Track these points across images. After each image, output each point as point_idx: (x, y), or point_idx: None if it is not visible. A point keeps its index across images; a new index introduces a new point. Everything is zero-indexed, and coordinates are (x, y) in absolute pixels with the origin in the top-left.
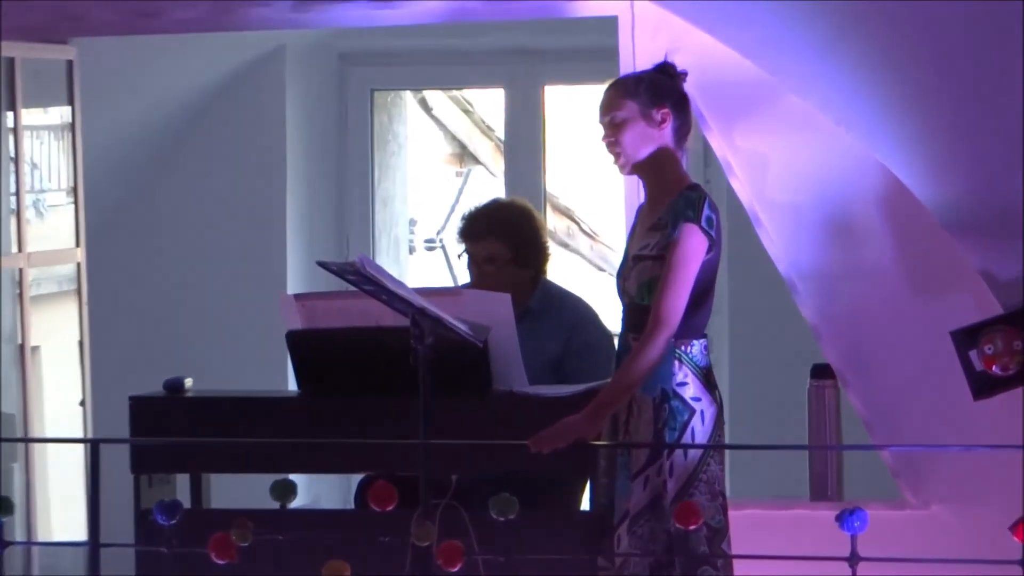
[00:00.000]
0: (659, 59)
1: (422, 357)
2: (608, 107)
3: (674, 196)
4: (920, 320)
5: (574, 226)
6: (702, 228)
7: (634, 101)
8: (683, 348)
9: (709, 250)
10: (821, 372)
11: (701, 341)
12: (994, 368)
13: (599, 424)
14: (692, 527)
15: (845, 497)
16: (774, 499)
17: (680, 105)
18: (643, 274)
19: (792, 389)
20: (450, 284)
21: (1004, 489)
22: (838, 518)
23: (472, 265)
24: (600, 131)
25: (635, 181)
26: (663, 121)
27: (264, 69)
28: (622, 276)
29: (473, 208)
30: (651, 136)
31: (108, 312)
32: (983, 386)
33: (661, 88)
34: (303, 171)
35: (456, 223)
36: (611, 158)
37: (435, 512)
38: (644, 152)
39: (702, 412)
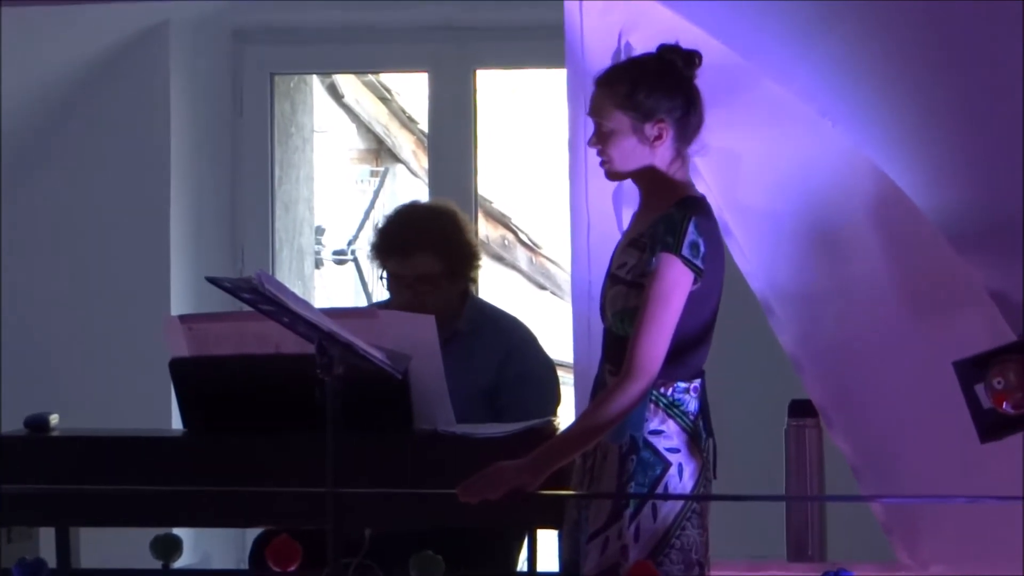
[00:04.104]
0: (611, 38)
1: (330, 390)
2: (597, 110)
3: (665, 209)
4: (918, 348)
5: (511, 236)
6: (683, 258)
7: (625, 114)
8: (662, 390)
9: (695, 282)
10: (801, 409)
11: (691, 383)
12: (1005, 405)
13: (542, 475)
14: None
15: (829, 557)
16: (745, 560)
17: (687, 106)
18: (616, 301)
19: (767, 429)
20: (363, 304)
21: (1014, 547)
22: None
23: (398, 287)
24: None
25: (582, 186)
26: (658, 136)
27: (143, 49)
28: (603, 294)
29: (390, 218)
30: (641, 154)
31: None
32: (991, 427)
33: (662, 93)
34: (190, 169)
35: (371, 234)
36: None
37: (345, 573)
38: (633, 166)
39: (679, 466)
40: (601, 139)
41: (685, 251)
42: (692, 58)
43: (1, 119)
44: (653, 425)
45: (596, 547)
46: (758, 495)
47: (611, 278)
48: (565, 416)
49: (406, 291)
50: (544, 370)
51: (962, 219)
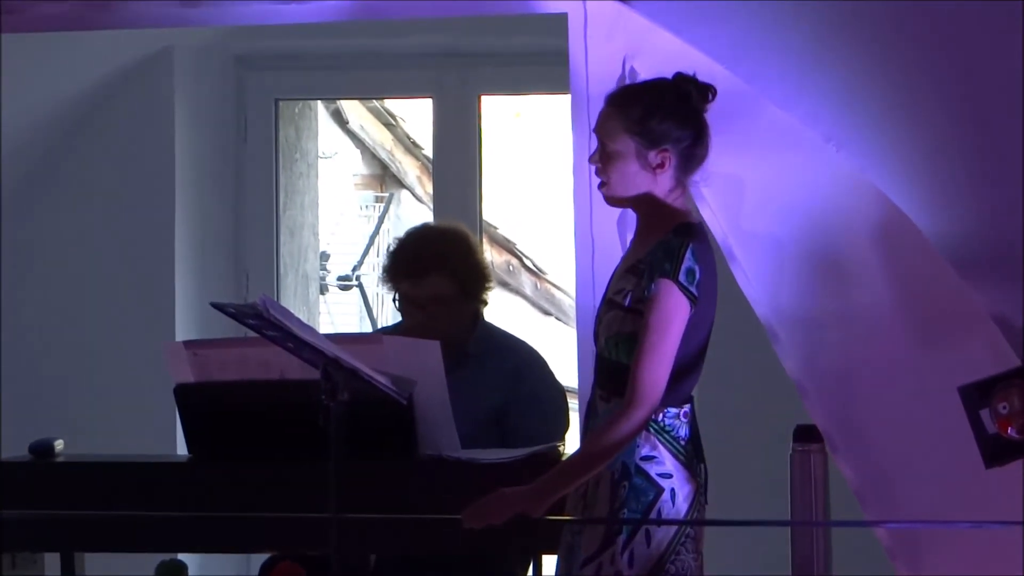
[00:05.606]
0: (616, 63)
1: (335, 416)
2: (603, 129)
3: (663, 235)
4: (923, 374)
5: (516, 262)
6: (680, 285)
7: (632, 138)
8: (653, 416)
9: (690, 308)
10: (806, 435)
11: (681, 408)
12: (1010, 430)
13: (546, 502)
14: None
15: None
16: None
17: (695, 138)
18: (611, 326)
19: (772, 454)
20: (368, 329)
21: (1017, 571)
22: None
23: (411, 310)
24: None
25: (586, 211)
26: (660, 164)
27: (148, 75)
28: (597, 318)
29: (403, 240)
30: (642, 180)
31: None
32: (996, 451)
33: (674, 123)
34: (194, 195)
35: (376, 258)
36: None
37: None
38: (631, 192)
39: (672, 491)
40: (603, 158)
41: (681, 277)
42: (706, 92)
43: (3, 145)
44: (645, 451)
45: (590, 572)
46: (763, 520)
47: (607, 303)
48: (571, 442)
49: (419, 313)
50: (554, 393)
51: (966, 244)
